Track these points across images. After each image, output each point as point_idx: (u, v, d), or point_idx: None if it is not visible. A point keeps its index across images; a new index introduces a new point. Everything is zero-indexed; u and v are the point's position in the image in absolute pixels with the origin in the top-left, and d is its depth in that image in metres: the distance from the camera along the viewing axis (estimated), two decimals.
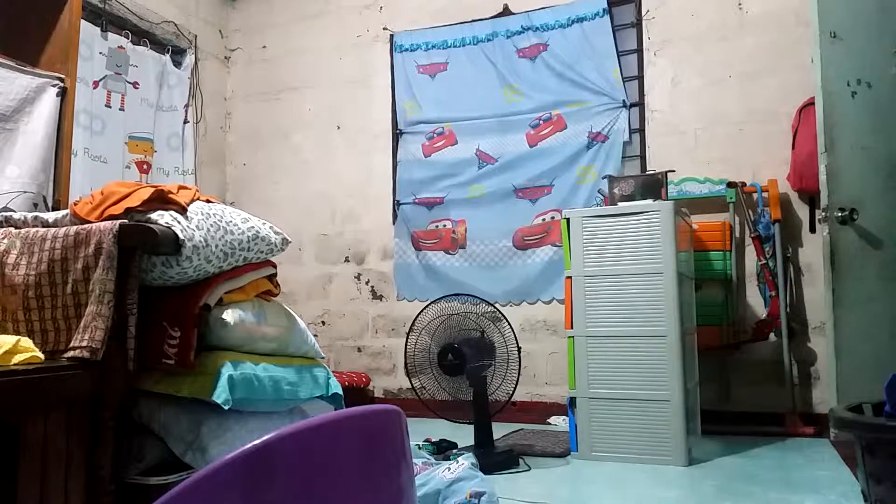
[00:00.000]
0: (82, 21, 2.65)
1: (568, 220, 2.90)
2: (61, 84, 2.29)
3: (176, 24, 4.29)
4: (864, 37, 2.53)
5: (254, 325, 1.74)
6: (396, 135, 4.22)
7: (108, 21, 3.85)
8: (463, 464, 1.99)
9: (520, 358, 2.81)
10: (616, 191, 2.98)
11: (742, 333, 3.35)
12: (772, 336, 3.25)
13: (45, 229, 1.61)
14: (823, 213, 2.33)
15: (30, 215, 1.73)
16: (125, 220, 1.55)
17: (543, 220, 3.83)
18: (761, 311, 3.34)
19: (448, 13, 4.14)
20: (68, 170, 2.33)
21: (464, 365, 2.63)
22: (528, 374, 3.68)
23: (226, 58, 4.77)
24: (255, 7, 4.75)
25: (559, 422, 3.52)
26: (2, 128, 2.14)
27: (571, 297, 2.84)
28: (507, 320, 2.81)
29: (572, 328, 2.83)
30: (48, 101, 2.25)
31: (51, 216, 1.71)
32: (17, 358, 1.37)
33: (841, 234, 2.38)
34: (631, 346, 2.71)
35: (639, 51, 3.76)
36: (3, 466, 1.31)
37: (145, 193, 1.62)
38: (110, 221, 1.55)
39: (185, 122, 4.30)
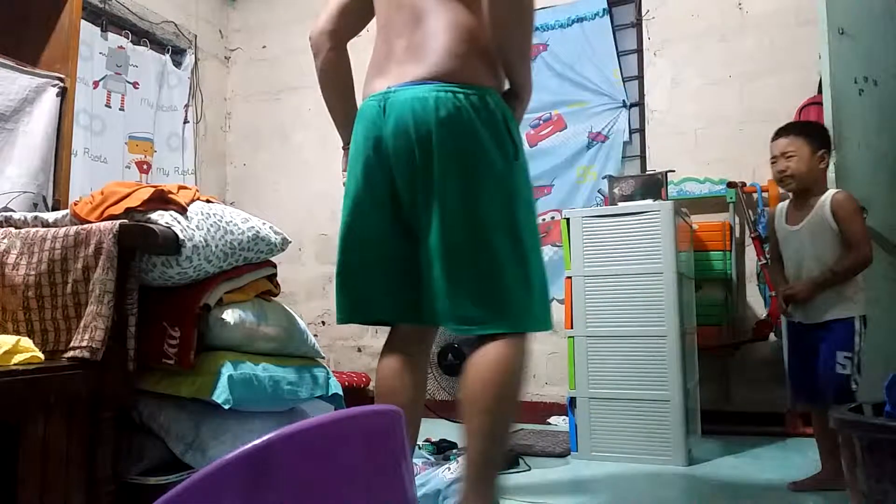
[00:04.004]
0: (82, 21, 2.64)
1: (568, 220, 2.90)
2: (61, 84, 2.29)
3: (176, 24, 4.29)
4: (871, 34, 2.53)
5: (254, 325, 1.74)
6: None
7: (108, 21, 3.85)
8: (463, 464, 1.99)
9: None
10: (616, 191, 2.98)
11: (742, 333, 3.35)
12: (772, 336, 3.25)
13: (45, 229, 1.62)
14: None
15: (30, 215, 1.73)
16: (125, 221, 1.55)
17: (543, 219, 3.83)
18: (761, 311, 3.34)
19: None
20: (68, 170, 2.33)
21: (464, 365, 2.63)
22: (528, 374, 3.67)
23: (226, 58, 4.77)
24: (255, 7, 4.75)
25: (559, 422, 3.52)
26: (2, 128, 2.14)
27: (571, 297, 2.84)
28: None
29: (572, 328, 2.82)
30: (48, 101, 2.25)
31: (51, 216, 1.71)
32: (17, 358, 1.37)
33: None
34: (631, 346, 2.71)
35: (639, 51, 3.76)
36: (3, 466, 1.31)
37: (145, 193, 1.62)
38: (110, 221, 1.55)
39: (186, 122, 4.31)
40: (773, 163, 2.26)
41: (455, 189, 1.41)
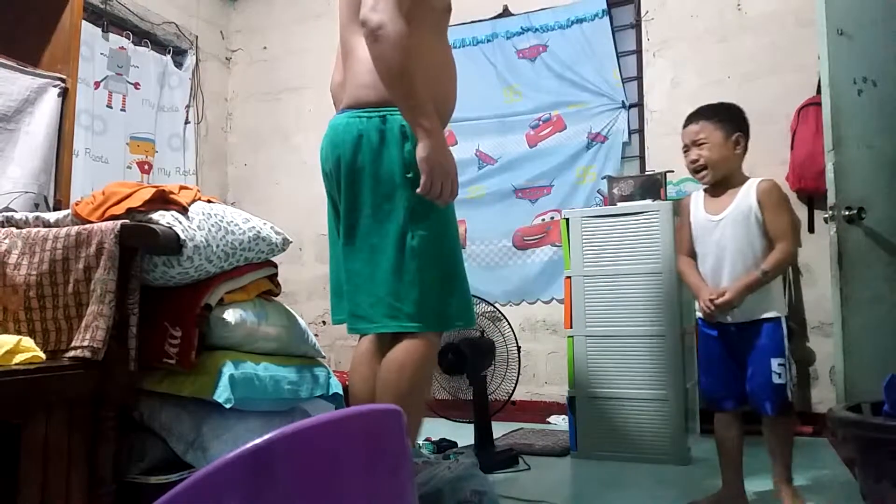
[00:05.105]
0: (83, 22, 2.65)
1: (567, 220, 2.90)
2: (62, 84, 2.29)
3: (177, 25, 4.29)
4: (870, 34, 2.52)
5: (254, 325, 1.75)
6: None
7: (110, 22, 3.86)
8: (463, 463, 2.00)
9: (520, 357, 2.81)
10: (615, 191, 2.98)
11: None
12: None
13: (46, 229, 1.62)
14: (830, 212, 2.32)
15: (31, 215, 1.73)
16: (126, 221, 1.56)
17: (543, 220, 3.84)
18: None
19: None
20: (69, 170, 2.34)
21: (464, 365, 2.64)
22: (528, 373, 3.69)
23: (227, 58, 4.78)
24: (255, 8, 4.75)
25: (559, 421, 3.53)
26: (3, 128, 2.15)
27: (571, 296, 2.85)
28: (507, 320, 2.82)
29: (572, 328, 2.83)
30: (49, 102, 2.25)
31: (52, 216, 1.71)
32: (19, 358, 1.37)
33: (848, 234, 2.36)
34: (630, 346, 2.72)
35: (638, 51, 3.76)
36: (3, 466, 1.31)
37: (146, 194, 1.63)
38: (112, 222, 1.55)
39: (187, 122, 4.31)
40: (684, 152, 2.08)
41: (347, 200, 1.64)
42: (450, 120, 1.82)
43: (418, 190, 1.54)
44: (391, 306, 1.58)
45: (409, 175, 1.57)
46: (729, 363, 2.04)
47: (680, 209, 2.21)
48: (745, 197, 2.01)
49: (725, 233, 2.02)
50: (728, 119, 2.05)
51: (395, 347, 1.63)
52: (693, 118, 2.08)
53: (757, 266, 1.96)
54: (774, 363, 1.95)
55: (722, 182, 2.06)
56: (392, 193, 1.59)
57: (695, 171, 2.06)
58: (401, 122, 1.59)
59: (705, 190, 2.12)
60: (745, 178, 2.05)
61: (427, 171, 1.53)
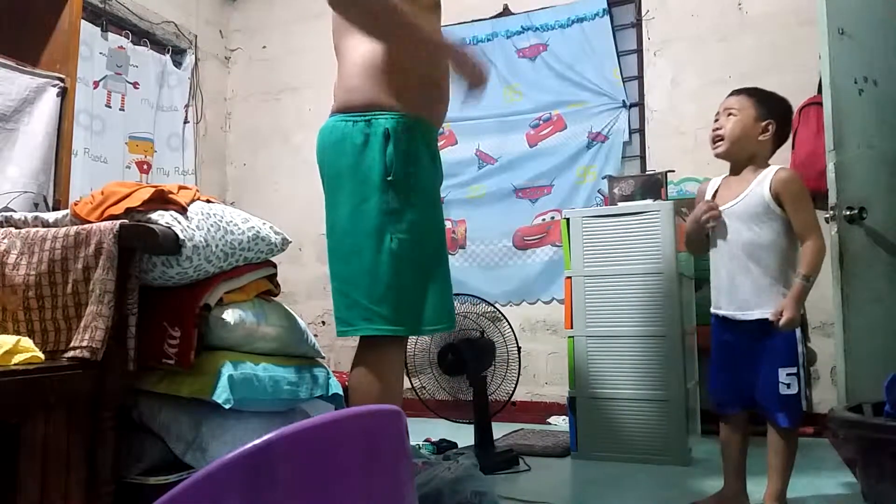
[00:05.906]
0: (82, 21, 2.64)
1: (568, 220, 2.90)
2: (61, 84, 2.29)
3: (176, 25, 4.29)
4: (871, 34, 2.53)
5: (254, 325, 1.74)
6: None
7: (109, 21, 3.85)
8: (463, 464, 1.99)
9: (520, 358, 2.81)
10: (616, 191, 2.98)
11: None
12: None
13: (45, 229, 1.61)
14: (832, 212, 2.31)
15: (30, 215, 1.73)
16: (125, 221, 1.55)
17: (543, 220, 3.83)
18: None
19: (448, 13, 4.09)
20: (68, 170, 2.33)
21: (464, 365, 2.63)
22: (528, 374, 3.68)
23: (226, 58, 4.77)
24: (255, 7, 4.75)
25: (559, 422, 3.52)
26: (2, 128, 2.14)
27: (571, 297, 2.84)
28: (507, 320, 2.81)
29: (572, 328, 2.83)
30: (48, 101, 2.25)
31: (51, 216, 1.71)
32: (18, 358, 1.37)
33: (849, 234, 2.36)
34: (631, 346, 2.71)
35: (639, 51, 3.76)
36: (3, 466, 1.31)
37: (145, 193, 1.62)
38: (110, 221, 1.55)
39: (186, 122, 4.31)
40: (715, 120, 2.02)
41: (328, 202, 1.67)
42: (444, 120, 1.80)
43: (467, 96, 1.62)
44: (367, 309, 1.57)
45: (390, 178, 1.57)
46: (739, 367, 1.96)
47: (696, 196, 2.17)
48: (759, 185, 1.91)
49: (733, 223, 1.95)
50: (768, 105, 1.99)
51: (365, 352, 1.61)
52: (738, 91, 2.03)
53: (770, 270, 1.88)
54: (782, 373, 1.86)
55: (739, 166, 2.00)
56: (371, 195, 1.58)
57: (713, 140, 2.01)
58: (385, 126, 1.58)
59: (724, 177, 2.07)
60: (766, 167, 1.97)
61: (463, 74, 1.62)
